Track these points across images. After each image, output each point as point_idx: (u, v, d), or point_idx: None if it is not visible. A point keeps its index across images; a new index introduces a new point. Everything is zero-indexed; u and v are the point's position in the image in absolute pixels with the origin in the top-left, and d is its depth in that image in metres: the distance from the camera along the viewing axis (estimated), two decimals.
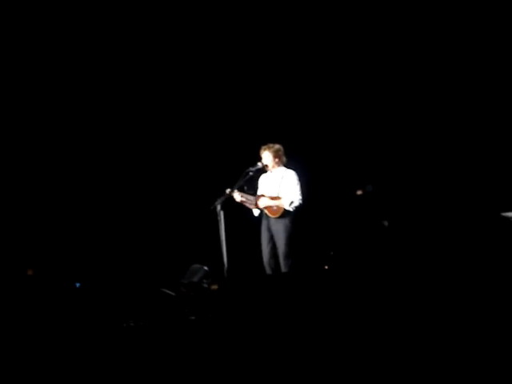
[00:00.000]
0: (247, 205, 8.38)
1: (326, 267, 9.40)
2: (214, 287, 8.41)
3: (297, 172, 8.32)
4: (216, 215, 8.03)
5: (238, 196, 8.27)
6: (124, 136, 10.85)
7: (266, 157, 8.31)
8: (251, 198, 8.33)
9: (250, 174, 8.27)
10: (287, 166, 8.39)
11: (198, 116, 10.88)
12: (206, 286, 8.60)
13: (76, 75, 10.57)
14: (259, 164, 8.27)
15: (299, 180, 8.26)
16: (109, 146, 10.83)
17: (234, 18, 10.25)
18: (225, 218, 8.03)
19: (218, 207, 8.01)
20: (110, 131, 10.82)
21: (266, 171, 8.43)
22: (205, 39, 10.47)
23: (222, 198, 8.08)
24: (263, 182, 8.48)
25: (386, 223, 9.85)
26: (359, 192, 10.59)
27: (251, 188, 8.41)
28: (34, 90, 10.50)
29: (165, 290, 7.96)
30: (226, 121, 10.78)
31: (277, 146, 8.33)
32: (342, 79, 10.44)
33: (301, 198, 8.18)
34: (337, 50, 10.33)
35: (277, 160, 8.32)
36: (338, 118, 10.52)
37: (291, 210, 8.13)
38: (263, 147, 8.32)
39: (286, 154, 8.40)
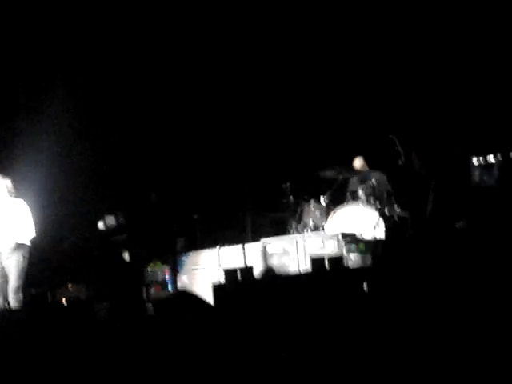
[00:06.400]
0: None
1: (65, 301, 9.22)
2: None
3: (29, 202, 8.04)
4: None
5: None
6: None
7: None
8: None
9: None
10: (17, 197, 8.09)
11: None
12: None
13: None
14: None
15: (31, 212, 7.99)
16: None
17: None
18: None
19: None
20: None
21: None
22: None
23: None
24: None
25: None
26: (100, 225, 10.51)
27: None
28: None
29: None
30: None
31: (7, 179, 8.01)
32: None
33: (34, 230, 7.93)
34: None
35: (7, 191, 7.97)
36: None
37: (24, 243, 7.86)
38: None
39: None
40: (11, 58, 10.20)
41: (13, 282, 7.76)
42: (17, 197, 8.05)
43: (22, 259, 7.83)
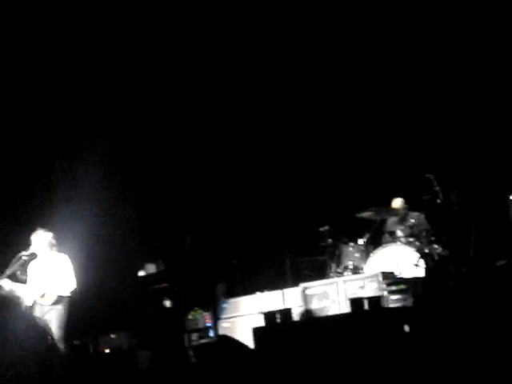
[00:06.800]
0: (18, 293, 8.04)
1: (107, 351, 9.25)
2: None
3: (70, 256, 8.14)
4: None
5: (7, 284, 7.91)
6: None
7: (38, 241, 8.06)
8: (23, 286, 8.01)
9: (24, 258, 8.02)
10: (59, 250, 8.20)
11: None
12: None
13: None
14: (31, 248, 8.03)
15: (72, 264, 8.09)
16: None
17: None
18: None
19: None
20: None
21: (36, 256, 8.15)
22: None
23: None
24: (34, 267, 8.18)
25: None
26: (141, 273, 10.57)
27: (24, 273, 8.11)
28: None
29: None
30: None
31: (49, 232, 8.15)
32: None
33: (75, 282, 8.02)
34: None
35: (49, 245, 8.10)
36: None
37: (65, 295, 7.94)
38: (36, 231, 8.10)
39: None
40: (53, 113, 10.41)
41: (54, 333, 7.82)
42: (59, 250, 8.18)
43: (62, 311, 7.89)
